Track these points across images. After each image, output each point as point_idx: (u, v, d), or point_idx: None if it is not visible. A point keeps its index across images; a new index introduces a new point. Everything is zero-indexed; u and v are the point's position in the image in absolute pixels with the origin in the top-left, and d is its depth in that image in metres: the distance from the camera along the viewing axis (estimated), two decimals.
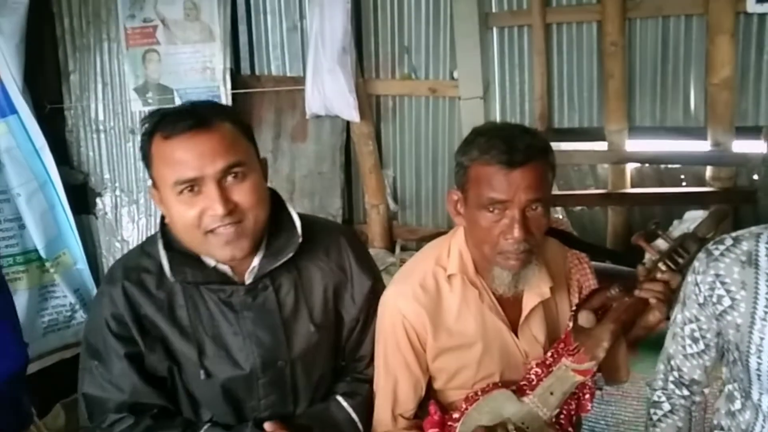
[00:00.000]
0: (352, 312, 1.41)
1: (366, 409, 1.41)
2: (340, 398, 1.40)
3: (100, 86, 3.53)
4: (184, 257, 1.28)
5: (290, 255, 1.31)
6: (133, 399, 1.30)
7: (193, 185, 1.20)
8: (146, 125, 1.25)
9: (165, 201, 1.24)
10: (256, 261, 1.30)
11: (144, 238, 1.52)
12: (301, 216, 1.36)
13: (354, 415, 1.38)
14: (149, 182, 1.31)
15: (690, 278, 1.24)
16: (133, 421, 1.29)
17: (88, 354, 1.34)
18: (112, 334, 1.30)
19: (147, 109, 3.43)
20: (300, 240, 1.31)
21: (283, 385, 1.34)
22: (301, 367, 1.36)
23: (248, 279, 1.31)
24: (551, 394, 1.31)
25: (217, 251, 1.25)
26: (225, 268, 1.31)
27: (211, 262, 1.29)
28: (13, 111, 3.17)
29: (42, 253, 3.27)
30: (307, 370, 1.37)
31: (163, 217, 1.32)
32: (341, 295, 1.40)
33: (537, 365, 1.36)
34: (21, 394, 1.66)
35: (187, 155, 1.18)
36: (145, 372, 1.31)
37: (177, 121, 1.20)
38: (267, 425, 1.29)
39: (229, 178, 1.21)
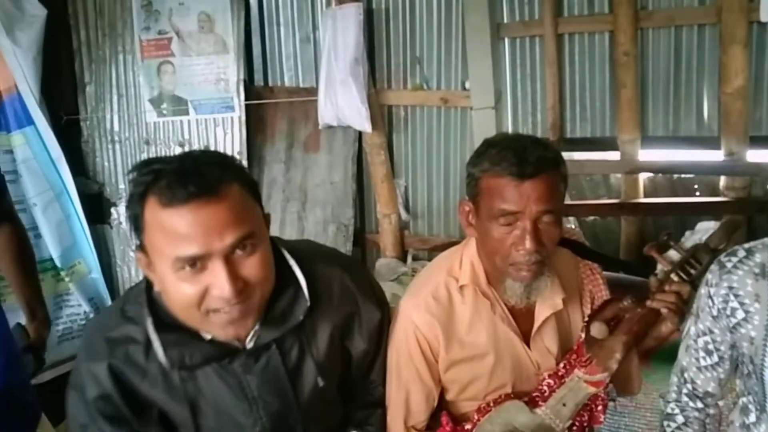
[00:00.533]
0: (361, 346, 1.32)
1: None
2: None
3: (115, 97, 3.58)
4: (177, 337, 1.13)
5: (300, 319, 1.18)
6: None
7: (196, 263, 1.03)
8: (137, 183, 1.06)
9: (158, 272, 1.07)
10: (257, 324, 1.16)
11: (120, 299, 1.29)
12: (299, 256, 1.22)
13: None
14: (134, 246, 1.14)
15: (703, 290, 1.23)
16: None
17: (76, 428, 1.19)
18: (102, 417, 1.15)
19: (162, 120, 3.47)
20: (308, 304, 1.19)
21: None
22: (311, 420, 1.27)
23: (249, 344, 1.18)
24: (564, 405, 1.31)
25: (219, 331, 1.11)
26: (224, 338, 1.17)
27: (208, 336, 1.15)
28: (30, 122, 3.22)
29: (57, 262, 3.31)
30: (317, 421, 1.29)
31: (148, 284, 1.16)
32: (349, 331, 1.30)
33: (549, 376, 1.36)
34: (21, 405, 1.65)
35: (191, 229, 1.01)
36: None
37: (177, 187, 1.01)
38: None
39: (238, 252, 1.05)
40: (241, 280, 1.06)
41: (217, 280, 1.03)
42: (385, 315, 1.37)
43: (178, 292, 1.05)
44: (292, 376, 1.22)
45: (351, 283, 1.30)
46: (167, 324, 1.13)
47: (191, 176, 1.02)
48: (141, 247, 1.10)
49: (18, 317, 1.88)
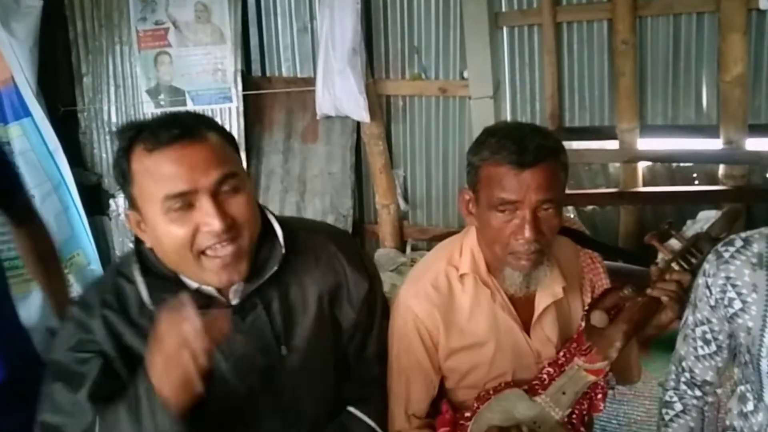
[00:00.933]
0: (350, 316, 1.32)
1: (382, 412, 1.36)
2: (352, 409, 1.32)
3: (112, 89, 3.57)
4: (163, 282, 1.16)
5: (274, 269, 1.20)
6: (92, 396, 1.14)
7: (184, 201, 1.08)
8: (121, 140, 1.12)
9: (149, 222, 1.12)
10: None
11: (111, 266, 1.40)
12: (284, 223, 1.26)
13: (371, 422, 1.32)
14: (125, 206, 1.21)
15: (701, 280, 1.23)
16: None
17: (52, 376, 1.18)
18: (81, 361, 1.15)
19: (159, 111, 3.46)
20: (283, 251, 1.21)
21: (283, 406, 1.26)
22: (299, 384, 1.27)
23: (234, 299, 1.20)
24: (563, 393, 1.31)
25: (212, 276, 1.13)
26: (209, 289, 1.18)
27: (193, 285, 1.18)
28: (28, 114, 3.22)
29: None
30: (306, 386, 1.28)
31: (137, 241, 1.20)
32: (337, 300, 1.31)
33: (549, 365, 1.36)
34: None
35: (177, 167, 1.07)
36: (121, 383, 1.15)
37: (160, 131, 1.08)
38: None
39: (224, 191, 1.10)
40: (230, 217, 1.10)
41: (206, 216, 1.08)
42: (375, 286, 1.36)
43: (170, 235, 1.09)
44: (277, 335, 1.23)
45: (338, 251, 1.32)
46: (154, 273, 1.17)
47: (172, 123, 1.09)
48: (131, 204, 1.14)
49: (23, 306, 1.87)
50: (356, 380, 1.39)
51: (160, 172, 1.07)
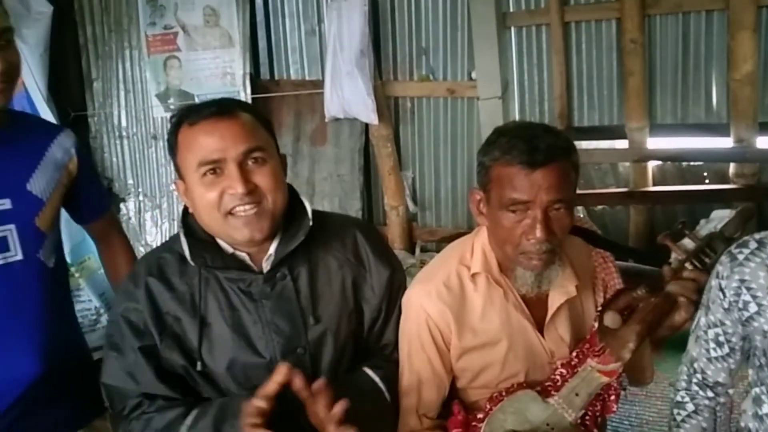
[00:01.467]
0: (373, 302, 1.41)
1: (393, 383, 1.40)
2: (365, 368, 1.39)
3: (122, 93, 3.60)
4: (204, 243, 1.33)
5: (302, 239, 1.33)
6: (146, 390, 1.33)
7: (215, 167, 1.25)
8: (173, 119, 1.32)
9: (189, 187, 1.29)
10: (272, 248, 1.33)
11: (162, 242, 1.53)
12: (316, 210, 1.39)
13: (381, 383, 1.37)
14: (174, 175, 1.36)
15: (714, 282, 1.21)
16: (147, 404, 1.32)
17: (108, 345, 1.38)
18: (129, 328, 1.34)
19: (169, 115, 3.48)
20: (310, 223, 1.34)
21: (303, 373, 1.30)
22: (320, 355, 1.36)
23: (266, 267, 1.33)
24: (576, 395, 1.30)
25: (237, 232, 1.27)
26: (243, 255, 1.33)
27: (230, 249, 1.33)
28: None
29: (67, 258, 3.29)
30: (326, 359, 1.37)
31: (185, 210, 1.37)
32: (360, 286, 1.41)
33: (562, 366, 1.35)
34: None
35: (210, 139, 1.24)
36: (161, 367, 1.33)
37: (201, 110, 1.27)
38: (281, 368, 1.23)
39: (250, 162, 1.26)
40: (252, 183, 1.25)
41: (231, 180, 1.24)
42: (397, 277, 1.44)
43: (203, 197, 1.26)
44: (303, 308, 1.35)
45: (364, 239, 1.44)
46: (197, 238, 1.33)
47: (212, 103, 1.29)
48: (178, 173, 1.32)
49: None
50: (374, 357, 1.46)
51: (197, 142, 1.25)
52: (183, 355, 1.33)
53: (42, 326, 1.51)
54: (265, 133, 1.32)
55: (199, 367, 1.32)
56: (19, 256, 1.46)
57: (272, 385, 1.20)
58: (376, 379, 1.37)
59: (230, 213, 1.26)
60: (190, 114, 1.28)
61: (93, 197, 1.71)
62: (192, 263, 1.31)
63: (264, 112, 1.58)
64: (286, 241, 1.33)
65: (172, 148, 1.31)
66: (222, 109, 1.27)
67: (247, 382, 1.33)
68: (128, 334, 1.33)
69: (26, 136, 1.51)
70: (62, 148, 1.57)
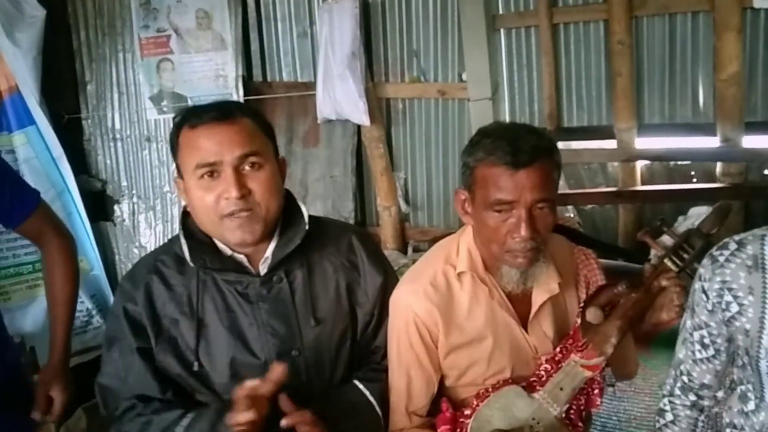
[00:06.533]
0: (366, 307, 1.44)
1: (384, 395, 1.43)
2: (356, 382, 1.41)
3: (116, 96, 3.60)
4: (203, 245, 1.36)
5: (298, 243, 1.36)
6: (142, 392, 1.34)
7: (212, 170, 1.28)
8: (176, 119, 1.35)
9: (188, 188, 1.32)
10: (269, 251, 1.36)
11: (161, 244, 1.57)
12: (313, 216, 1.42)
13: (371, 398, 1.40)
14: (175, 174, 1.40)
15: (697, 285, 1.23)
16: (142, 406, 1.34)
17: (105, 345, 1.41)
18: (128, 328, 1.36)
19: (162, 117, 3.50)
20: (306, 227, 1.37)
21: (298, 375, 1.36)
22: (314, 358, 1.38)
23: (263, 270, 1.37)
24: (561, 389, 1.33)
25: (230, 234, 1.31)
26: (241, 257, 1.36)
27: (228, 251, 1.36)
28: (32, 122, 3.25)
29: None
30: (320, 362, 1.39)
31: (185, 211, 1.40)
32: (354, 290, 1.44)
33: (546, 362, 1.38)
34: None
35: (209, 142, 1.28)
36: (157, 370, 1.35)
37: (202, 113, 1.30)
38: (286, 412, 1.25)
39: (246, 167, 1.29)
40: (246, 189, 1.29)
41: (227, 185, 1.27)
42: (389, 281, 1.46)
43: (201, 199, 1.29)
44: (298, 310, 1.38)
45: (359, 243, 1.47)
46: (197, 239, 1.36)
47: (213, 106, 1.32)
48: (179, 173, 1.35)
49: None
50: (365, 367, 1.48)
51: (196, 145, 1.29)
52: (178, 360, 1.34)
53: None
54: (264, 138, 1.35)
55: (195, 367, 1.34)
56: None
57: (268, 385, 1.21)
58: (367, 393, 1.40)
59: (225, 216, 1.29)
60: (192, 116, 1.31)
61: (14, 197, 1.62)
62: (191, 264, 1.34)
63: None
64: (283, 244, 1.36)
65: (174, 148, 1.35)
66: (222, 113, 1.30)
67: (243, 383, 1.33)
68: (128, 333, 1.36)
69: None
70: None
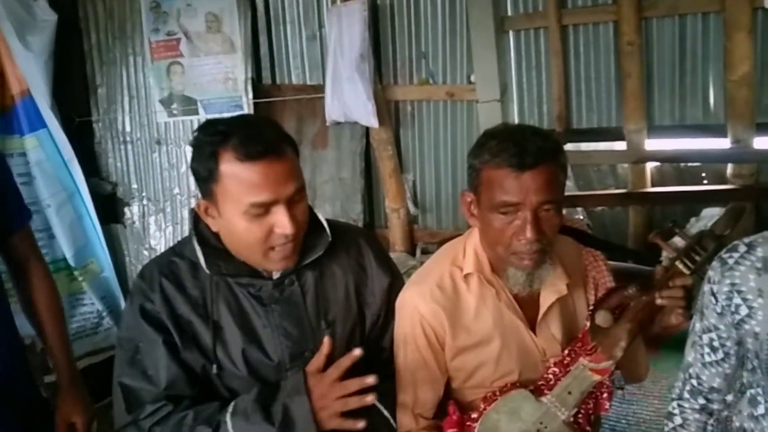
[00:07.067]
0: (374, 308, 1.46)
1: (395, 406, 1.43)
2: (379, 406, 1.38)
3: (126, 99, 3.63)
4: (217, 251, 1.36)
5: (320, 254, 1.39)
6: (170, 390, 1.33)
7: (265, 207, 1.27)
8: (207, 143, 1.26)
9: (225, 215, 1.28)
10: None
11: (171, 245, 1.55)
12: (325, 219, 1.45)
13: (391, 420, 1.40)
14: (198, 195, 1.37)
15: (706, 288, 1.22)
16: (172, 408, 1.32)
17: (125, 346, 1.37)
18: (149, 325, 1.35)
19: (172, 120, 3.52)
20: (329, 239, 1.40)
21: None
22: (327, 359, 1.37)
23: (276, 275, 1.38)
24: (569, 393, 1.32)
25: (273, 265, 1.34)
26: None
27: (241, 257, 1.36)
28: (43, 125, 3.28)
29: (71, 262, 3.37)
30: (332, 363, 1.36)
31: (195, 217, 1.39)
32: (362, 292, 1.45)
33: (555, 365, 1.36)
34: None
35: (265, 180, 1.24)
36: (183, 363, 1.35)
37: (250, 145, 1.24)
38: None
39: (295, 200, 1.30)
40: (297, 222, 1.29)
41: (282, 220, 1.27)
42: (396, 283, 1.48)
43: (249, 231, 1.28)
44: (310, 312, 1.40)
45: (366, 246, 1.50)
46: (211, 246, 1.37)
47: (259, 137, 1.26)
48: (206, 195, 1.30)
49: None
50: (376, 372, 1.44)
51: (250, 182, 1.24)
52: (201, 354, 1.35)
53: None
54: (300, 166, 1.34)
55: (214, 369, 1.34)
56: None
57: (321, 357, 1.28)
58: (387, 414, 1.38)
59: (272, 248, 1.30)
60: (237, 146, 1.24)
61: (9, 207, 1.60)
62: (207, 271, 1.34)
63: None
64: (305, 253, 1.38)
65: (211, 174, 1.26)
66: (271, 147, 1.25)
67: (261, 381, 1.35)
68: (149, 330, 1.35)
69: None
70: None
